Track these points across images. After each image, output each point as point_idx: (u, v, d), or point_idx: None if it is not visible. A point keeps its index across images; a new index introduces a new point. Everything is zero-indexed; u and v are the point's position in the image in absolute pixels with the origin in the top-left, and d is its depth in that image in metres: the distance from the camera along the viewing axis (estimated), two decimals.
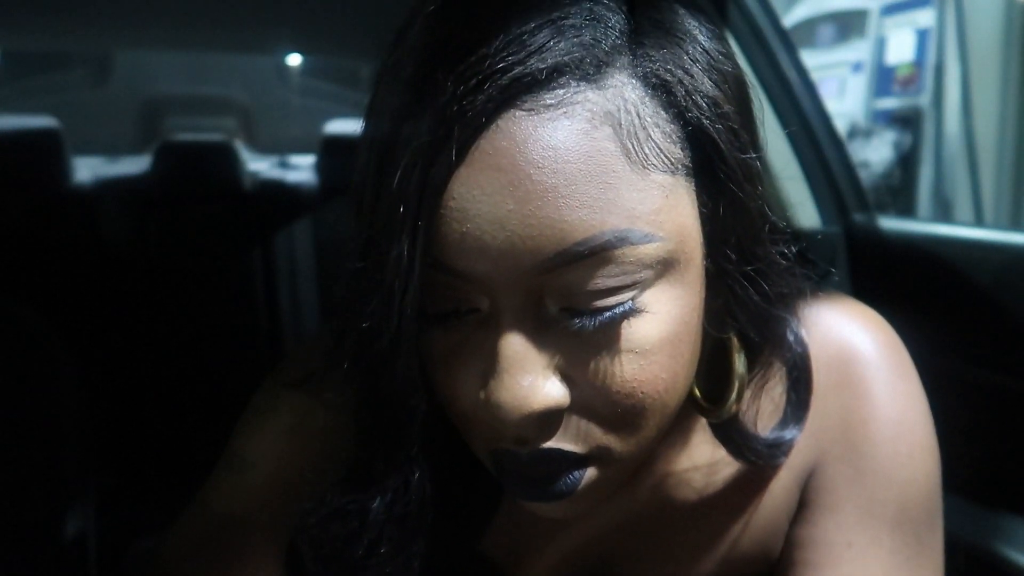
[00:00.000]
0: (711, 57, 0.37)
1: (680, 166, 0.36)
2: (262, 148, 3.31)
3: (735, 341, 0.42)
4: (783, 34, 1.15)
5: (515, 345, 0.35)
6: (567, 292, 0.35)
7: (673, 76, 0.35)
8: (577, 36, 0.34)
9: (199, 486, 0.53)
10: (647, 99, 0.35)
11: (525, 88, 0.33)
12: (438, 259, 0.35)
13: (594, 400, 0.36)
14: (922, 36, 3.38)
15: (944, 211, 3.23)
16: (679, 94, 0.36)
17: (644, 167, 0.34)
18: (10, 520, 0.67)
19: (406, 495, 0.41)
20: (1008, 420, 0.90)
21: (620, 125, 0.34)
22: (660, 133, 0.35)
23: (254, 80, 4.84)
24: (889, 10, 3.64)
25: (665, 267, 0.36)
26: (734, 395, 0.41)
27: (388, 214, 0.34)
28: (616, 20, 0.36)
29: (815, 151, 1.19)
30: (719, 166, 0.36)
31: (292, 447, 0.47)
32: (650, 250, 0.34)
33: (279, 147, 3.12)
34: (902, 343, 0.49)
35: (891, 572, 0.45)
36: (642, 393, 0.36)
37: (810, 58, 3.12)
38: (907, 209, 3.37)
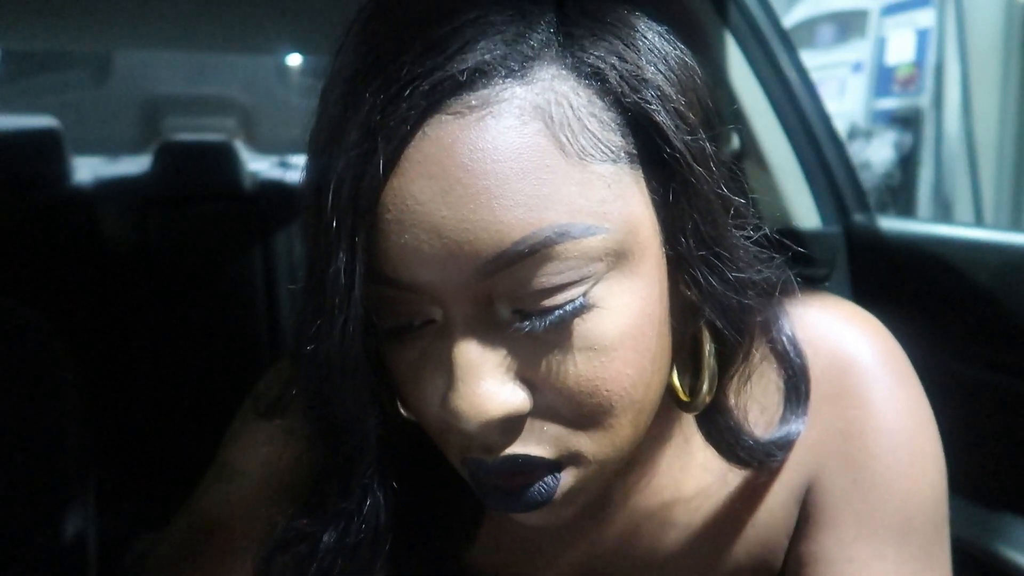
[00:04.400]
0: (648, 41, 0.36)
1: (623, 153, 0.35)
2: (262, 148, 3.30)
3: (705, 332, 0.40)
4: (783, 34, 1.15)
5: (469, 353, 0.34)
6: (515, 294, 0.34)
7: (606, 63, 0.35)
8: (500, 33, 0.33)
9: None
10: (580, 89, 0.34)
11: (448, 91, 0.32)
12: (381, 272, 0.34)
13: (557, 402, 0.35)
14: (922, 36, 3.37)
15: (944, 211, 3.23)
16: (614, 81, 0.35)
17: (581, 158, 0.33)
18: (10, 520, 0.67)
19: (358, 524, 0.39)
20: (1008, 420, 0.90)
21: (552, 118, 0.33)
22: (597, 122, 0.34)
23: (254, 80, 4.84)
24: (889, 10, 3.64)
25: (617, 259, 0.35)
26: (706, 386, 0.40)
27: (325, 232, 0.33)
28: (543, 14, 0.35)
29: (815, 151, 1.19)
30: (664, 150, 0.35)
31: (281, 457, 0.46)
32: (595, 243, 0.34)
33: (279, 147, 3.12)
34: (900, 348, 0.48)
35: None
36: (606, 391, 0.35)
37: (810, 58, 3.12)
38: (907, 209, 3.37)
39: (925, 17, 3.36)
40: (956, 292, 0.93)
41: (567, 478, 0.37)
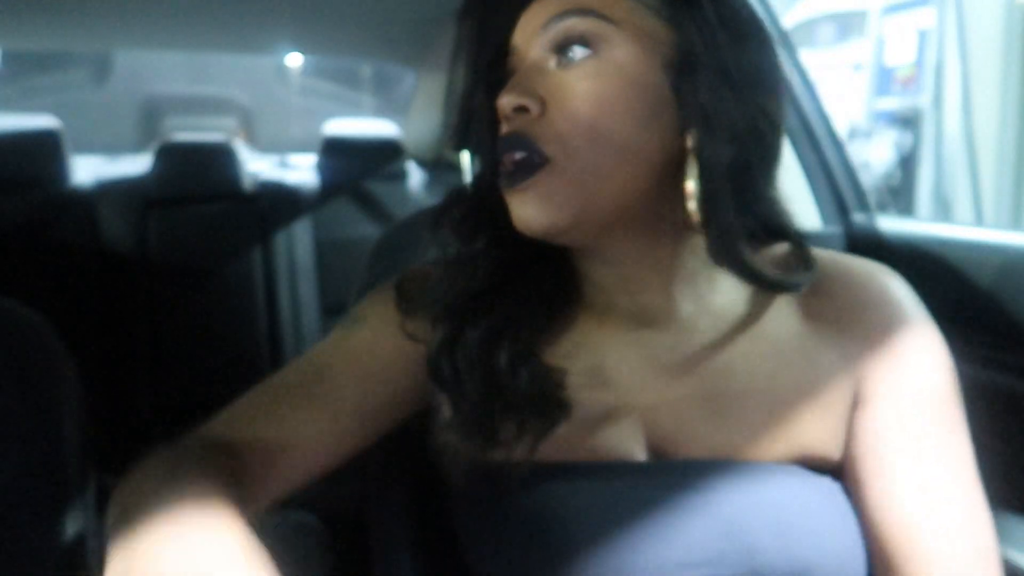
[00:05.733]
0: None
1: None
2: (262, 148, 3.30)
3: (692, 157, 0.50)
4: (783, 34, 1.15)
5: (516, 78, 0.52)
6: (555, 43, 0.51)
7: None
8: None
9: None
10: None
11: None
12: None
13: (553, 116, 0.50)
14: (922, 36, 3.38)
15: (944, 211, 3.23)
16: None
17: None
18: (10, 519, 0.67)
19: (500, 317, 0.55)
20: (1008, 420, 0.90)
21: None
22: None
23: (254, 80, 4.84)
24: (889, 10, 3.64)
25: (617, 45, 0.49)
26: (692, 186, 0.50)
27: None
28: None
29: (815, 151, 1.19)
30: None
31: (395, 320, 0.57)
32: (604, 27, 0.49)
33: (279, 147, 3.12)
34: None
35: (942, 453, 0.52)
36: (575, 122, 0.49)
37: (810, 58, 3.12)
38: (907, 209, 3.37)
39: (925, 17, 3.36)
40: (956, 292, 0.93)
41: (541, 175, 0.50)
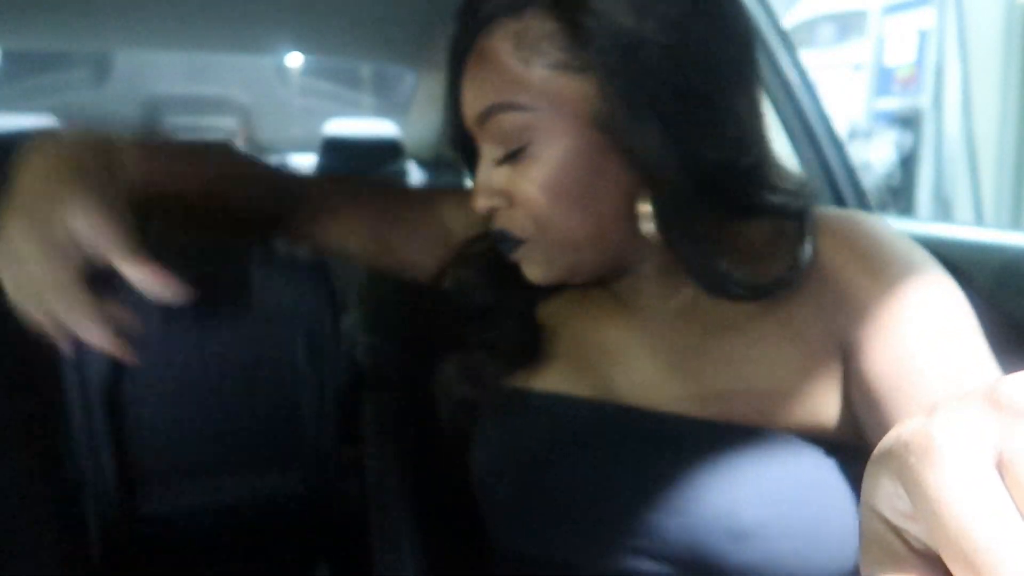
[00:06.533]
0: None
1: (568, 62, 0.51)
2: (262, 148, 3.30)
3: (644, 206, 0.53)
4: (783, 34, 1.15)
5: (478, 178, 0.57)
6: (492, 140, 0.55)
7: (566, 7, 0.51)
8: None
9: (199, 484, 0.54)
10: (547, 21, 0.51)
11: (482, 22, 0.54)
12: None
13: (518, 204, 0.55)
14: (922, 36, 3.38)
15: (944, 211, 3.23)
16: (567, 13, 0.51)
17: (529, 64, 0.52)
18: (11, 519, 0.67)
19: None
20: None
21: (520, 38, 0.53)
22: (549, 42, 0.52)
23: (254, 80, 4.84)
24: (889, 10, 3.65)
25: (546, 130, 0.52)
26: (647, 207, 0.53)
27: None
28: None
29: (815, 151, 1.19)
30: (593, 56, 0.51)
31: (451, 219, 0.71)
32: (528, 116, 0.52)
33: (279, 147, 3.12)
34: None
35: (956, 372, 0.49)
36: (535, 209, 0.54)
37: (810, 58, 3.12)
38: (907, 209, 3.37)
39: (925, 17, 3.36)
40: None
41: (524, 248, 0.57)
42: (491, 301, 0.65)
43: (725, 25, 0.52)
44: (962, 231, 1.08)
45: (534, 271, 0.58)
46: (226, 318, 0.83)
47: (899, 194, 3.41)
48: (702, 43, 0.50)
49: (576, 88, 0.51)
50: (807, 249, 0.53)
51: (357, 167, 2.32)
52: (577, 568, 0.57)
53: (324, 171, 2.32)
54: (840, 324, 0.52)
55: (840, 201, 1.20)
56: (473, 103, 0.55)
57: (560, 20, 0.51)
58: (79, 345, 0.52)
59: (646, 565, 0.54)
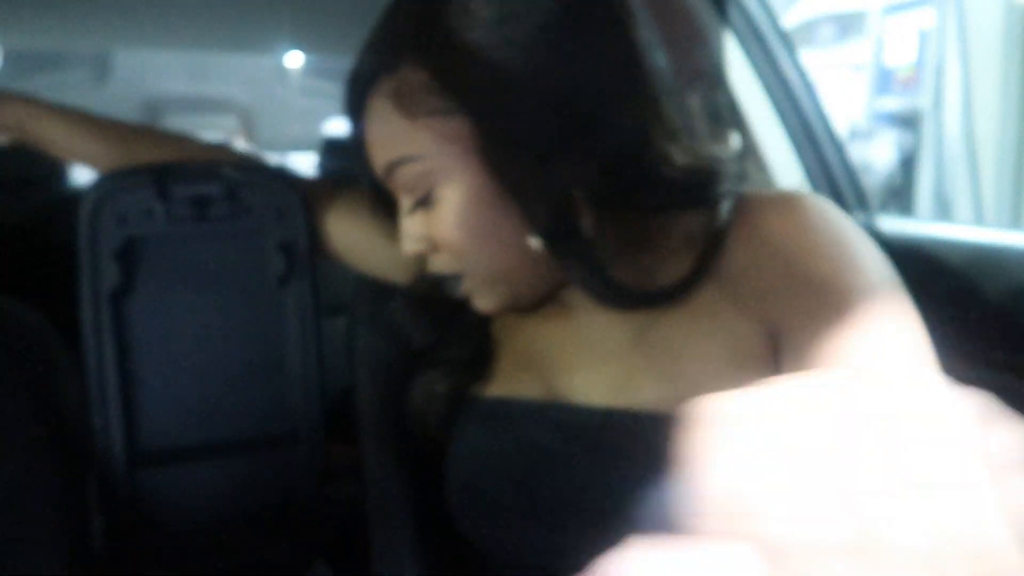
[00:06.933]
0: (459, 36, 0.52)
1: (444, 110, 0.53)
2: (262, 147, 3.30)
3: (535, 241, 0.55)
4: (783, 34, 1.15)
5: (403, 226, 0.60)
6: (404, 190, 0.58)
7: (432, 59, 0.53)
8: (379, 52, 0.56)
9: (199, 483, 0.54)
10: (419, 74, 0.53)
11: (365, 79, 0.57)
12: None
13: (442, 246, 0.57)
14: (922, 37, 3.38)
15: (944, 211, 3.23)
16: (434, 67, 0.53)
17: (415, 117, 0.54)
18: (11, 518, 0.67)
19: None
20: None
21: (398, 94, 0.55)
22: (424, 94, 0.54)
23: (254, 80, 4.84)
24: (889, 10, 3.65)
25: (442, 175, 0.54)
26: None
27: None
28: (407, 38, 0.56)
29: (815, 151, 1.19)
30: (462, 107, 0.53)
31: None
32: (423, 165, 0.54)
33: (279, 146, 3.12)
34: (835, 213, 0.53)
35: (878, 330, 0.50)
36: (456, 248, 0.56)
37: (810, 58, 3.12)
38: (907, 209, 3.37)
39: (925, 17, 3.36)
40: (956, 292, 0.93)
41: (465, 283, 0.59)
42: (443, 327, 0.67)
43: (598, 33, 0.52)
44: (962, 231, 1.08)
45: (482, 303, 0.60)
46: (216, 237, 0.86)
47: (899, 194, 3.41)
48: (573, 59, 0.51)
49: (456, 130, 0.53)
50: (719, 242, 0.53)
51: (357, 167, 2.32)
52: (556, 570, 0.57)
53: (324, 171, 2.32)
54: (771, 304, 0.52)
55: (840, 201, 1.20)
56: (375, 160, 0.58)
57: (429, 68, 0.53)
58: (95, 325, 0.56)
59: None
